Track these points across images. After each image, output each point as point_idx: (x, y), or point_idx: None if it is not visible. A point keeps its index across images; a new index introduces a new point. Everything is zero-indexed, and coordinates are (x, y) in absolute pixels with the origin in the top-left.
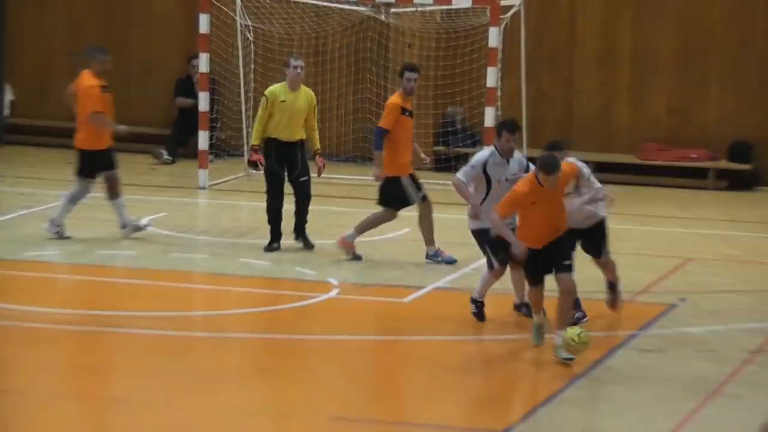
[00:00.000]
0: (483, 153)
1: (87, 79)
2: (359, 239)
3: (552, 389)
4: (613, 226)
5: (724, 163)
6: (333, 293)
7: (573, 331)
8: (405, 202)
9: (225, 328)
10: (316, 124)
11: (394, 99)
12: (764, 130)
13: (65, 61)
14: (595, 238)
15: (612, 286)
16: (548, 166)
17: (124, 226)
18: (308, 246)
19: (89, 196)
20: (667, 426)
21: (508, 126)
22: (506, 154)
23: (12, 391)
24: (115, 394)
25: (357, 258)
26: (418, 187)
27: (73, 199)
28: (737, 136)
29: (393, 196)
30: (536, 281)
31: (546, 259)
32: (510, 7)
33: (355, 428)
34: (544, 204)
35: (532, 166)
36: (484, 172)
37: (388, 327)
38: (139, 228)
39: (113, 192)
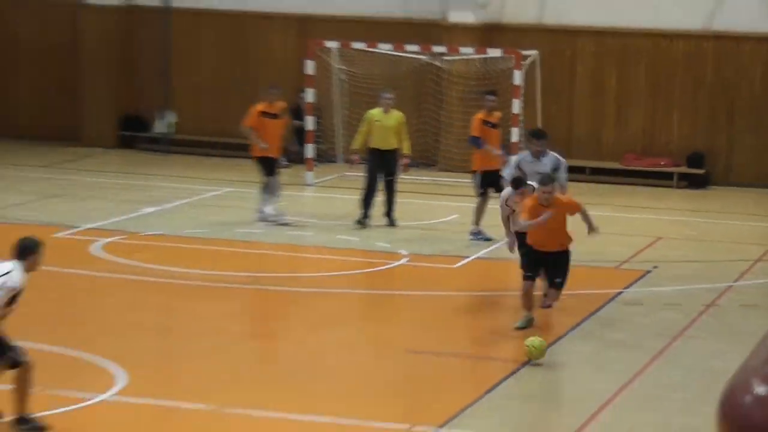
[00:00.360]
0: (518, 155)
1: (255, 106)
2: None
3: (562, 331)
4: (603, 214)
5: (684, 169)
6: (403, 261)
7: (539, 344)
8: (496, 188)
9: (327, 285)
10: (405, 137)
11: (478, 114)
12: (713, 145)
13: (212, 92)
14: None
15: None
16: (541, 181)
17: (260, 212)
18: (392, 224)
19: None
20: (645, 359)
21: (534, 134)
22: (536, 155)
23: (176, 329)
24: (254, 332)
25: (486, 239)
26: (489, 183)
27: (272, 192)
28: (693, 149)
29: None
30: (530, 276)
31: (546, 269)
32: (529, 55)
33: (425, 357)
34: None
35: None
36: (519, 168)
37: (443, 285)
38: (266, 220)
39: (271, 186)
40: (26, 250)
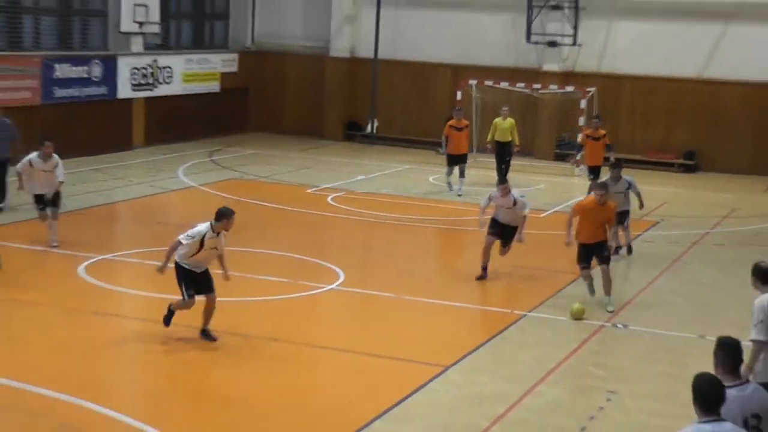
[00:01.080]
0: (605, 179)
1: (449, 122)
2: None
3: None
4: None
5: (682, 161)
6: None
7: (578, 308)
8: (597, 178)
9: (466, 225)
10: (516, 134)
11: (585, 130)
12: (701, 146)
13: (400, 108)
14: (512, 233)
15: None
16: (598, 186)
17: (448, 183)
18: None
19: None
20: (655, 273)
21: (613, 164)
22: (614, 180)
23: (375, 248)
24: (423, 252)
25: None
26: (595, 174)
27: (448, 175)
28: (688, 149)
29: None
30: (585, 267)
31: (593, 254)
32: (590, 91)
33: (524, 270)
34: (594, 215)
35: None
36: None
37: (536, 227)
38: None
39: (461, 172)
40: (220, 216)
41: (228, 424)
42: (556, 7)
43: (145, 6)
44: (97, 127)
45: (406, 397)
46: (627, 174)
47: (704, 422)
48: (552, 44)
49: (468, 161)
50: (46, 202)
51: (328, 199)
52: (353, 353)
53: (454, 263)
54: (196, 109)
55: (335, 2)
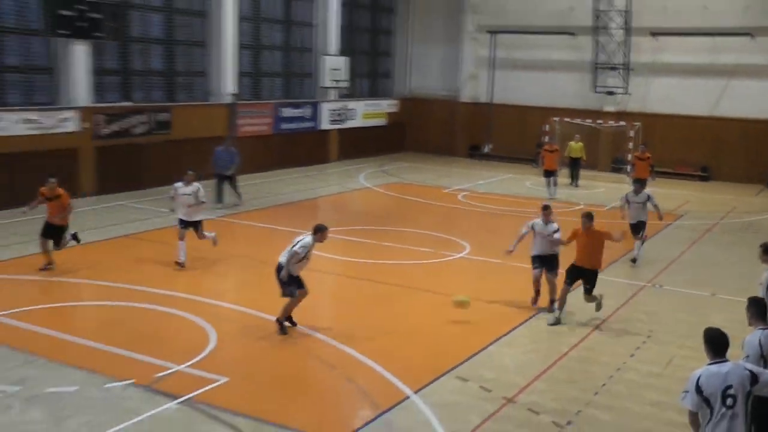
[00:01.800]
0: (627, 192)
1: (544, 146)
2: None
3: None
4: (665, 191)
5: (699, 173)
6: (582, 206)
7: (463, 299)
8: (642, 187)
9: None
10: (584, 153)
11: (635, 153)
12: (712, 162)
13: (503, 135)
14: (553, 263)
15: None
16: (585, 215)
17: (547, 188)
18: (576, 186)
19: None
20: (677, 253)
21: (635, 181)
22: (636, 193)
23: (490, 228)
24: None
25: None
26: (641, 184)
27: (547, 185)
28: (703, 164)
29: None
30: (568, 282)
31: (581, 277)
32: (636, 125)
33: None
34: (583, 240)
35: (650, 196)
36: (627, 199)
37: (598, 216)
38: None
39: (554, 182)
40: (317, 230)
41: (392, 347)
42: (613, 68)
43: (339, 70)
44: (307, 148)
45: (510, 330)
46: (661, 185)
47: (711, 364)
48: (610, 93)
49: (557, 175)
50: (187, 225)
51: (459, 196)
52: (475, 299)
53: (509, 237)
54: (371, 137)
55: (463, 66)
